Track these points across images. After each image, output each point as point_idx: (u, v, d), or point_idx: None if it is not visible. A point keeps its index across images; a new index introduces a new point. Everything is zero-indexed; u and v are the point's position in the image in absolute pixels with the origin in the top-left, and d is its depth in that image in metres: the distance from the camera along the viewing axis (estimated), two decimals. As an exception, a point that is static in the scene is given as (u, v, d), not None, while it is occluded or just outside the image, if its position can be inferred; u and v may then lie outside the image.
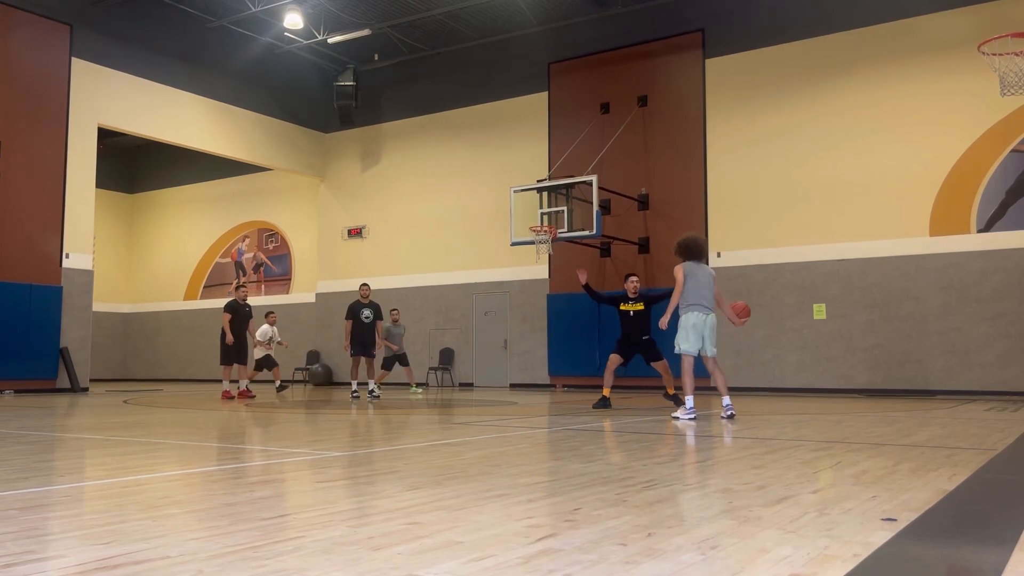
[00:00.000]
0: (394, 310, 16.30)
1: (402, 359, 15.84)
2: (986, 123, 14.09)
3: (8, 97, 15.39)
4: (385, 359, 15.59)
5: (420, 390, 14.99)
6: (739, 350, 15.93)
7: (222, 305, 12.96)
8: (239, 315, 12.58)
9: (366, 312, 12.84)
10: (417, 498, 3.39)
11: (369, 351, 12.90)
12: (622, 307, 10.00)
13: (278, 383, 15.53)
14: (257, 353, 15.23)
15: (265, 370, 15.57)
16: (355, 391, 12.99)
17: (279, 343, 15.91)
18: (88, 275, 16.61)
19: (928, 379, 14.24)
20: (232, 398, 12.39)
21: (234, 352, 12.43)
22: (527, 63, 18.95)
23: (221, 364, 12.59)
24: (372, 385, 13.01)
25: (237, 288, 13.15)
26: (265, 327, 15.78)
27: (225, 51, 19.32)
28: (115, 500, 3.42)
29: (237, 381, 12.93)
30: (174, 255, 25.65)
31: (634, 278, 10.16)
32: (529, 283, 18.51)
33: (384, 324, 14.47)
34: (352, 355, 12.85)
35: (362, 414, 9.47)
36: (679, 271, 8.21)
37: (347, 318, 12.81)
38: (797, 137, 15.74)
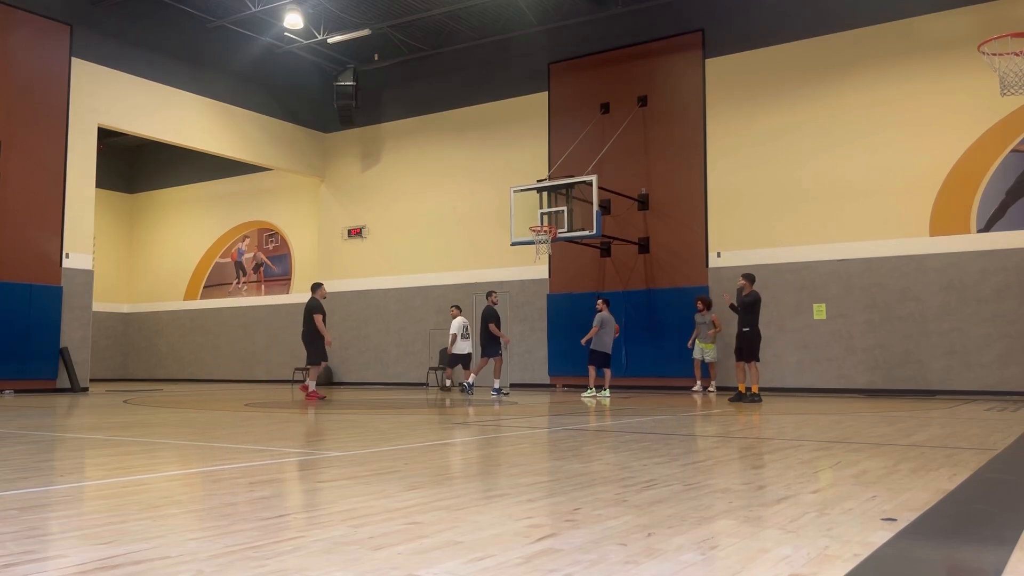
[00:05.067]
0: (602, 299, 13.97)
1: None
2: (986, 123, 14.09)
3: (8, 97, 15.38)
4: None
5: (591, 392, 13.44)
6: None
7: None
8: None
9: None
10: (417, 498, 3.39)
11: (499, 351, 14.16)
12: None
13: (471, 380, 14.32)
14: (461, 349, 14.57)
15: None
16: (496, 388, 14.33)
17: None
18: (88, 275, 16.60)
19: (928, 379, 14.23)
20: (322, 398, 12.77)
21: (325, 351, 12.81)
22: (527, 63, 18.94)
23: (311, 364, 12.92)
24: (498, 383, 14.14)
25: (318, 287, 13.16)
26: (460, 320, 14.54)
27: (225, 51, 19.32)
28: (115, 500, 3.42)
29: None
30: (174, 255, 25.64)
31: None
32: (529, 283, 18.51)
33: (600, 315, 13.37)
34: (495, 355, 14.08)
35: (361, 414, 9.47)
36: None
37: (492, 322, 14.06)
38: (797, 137, 15.73)
